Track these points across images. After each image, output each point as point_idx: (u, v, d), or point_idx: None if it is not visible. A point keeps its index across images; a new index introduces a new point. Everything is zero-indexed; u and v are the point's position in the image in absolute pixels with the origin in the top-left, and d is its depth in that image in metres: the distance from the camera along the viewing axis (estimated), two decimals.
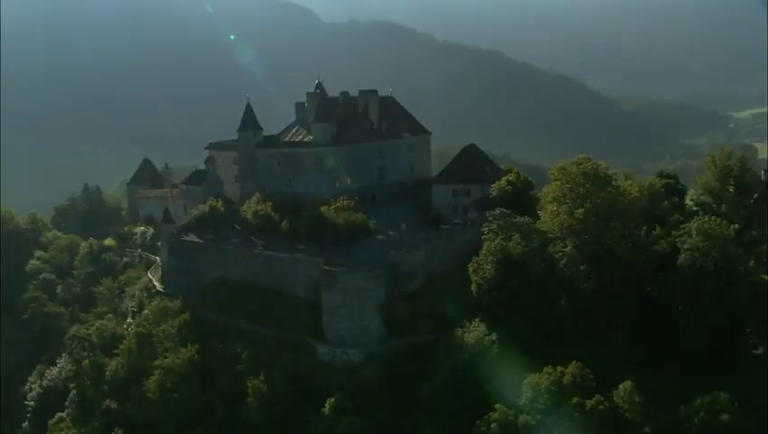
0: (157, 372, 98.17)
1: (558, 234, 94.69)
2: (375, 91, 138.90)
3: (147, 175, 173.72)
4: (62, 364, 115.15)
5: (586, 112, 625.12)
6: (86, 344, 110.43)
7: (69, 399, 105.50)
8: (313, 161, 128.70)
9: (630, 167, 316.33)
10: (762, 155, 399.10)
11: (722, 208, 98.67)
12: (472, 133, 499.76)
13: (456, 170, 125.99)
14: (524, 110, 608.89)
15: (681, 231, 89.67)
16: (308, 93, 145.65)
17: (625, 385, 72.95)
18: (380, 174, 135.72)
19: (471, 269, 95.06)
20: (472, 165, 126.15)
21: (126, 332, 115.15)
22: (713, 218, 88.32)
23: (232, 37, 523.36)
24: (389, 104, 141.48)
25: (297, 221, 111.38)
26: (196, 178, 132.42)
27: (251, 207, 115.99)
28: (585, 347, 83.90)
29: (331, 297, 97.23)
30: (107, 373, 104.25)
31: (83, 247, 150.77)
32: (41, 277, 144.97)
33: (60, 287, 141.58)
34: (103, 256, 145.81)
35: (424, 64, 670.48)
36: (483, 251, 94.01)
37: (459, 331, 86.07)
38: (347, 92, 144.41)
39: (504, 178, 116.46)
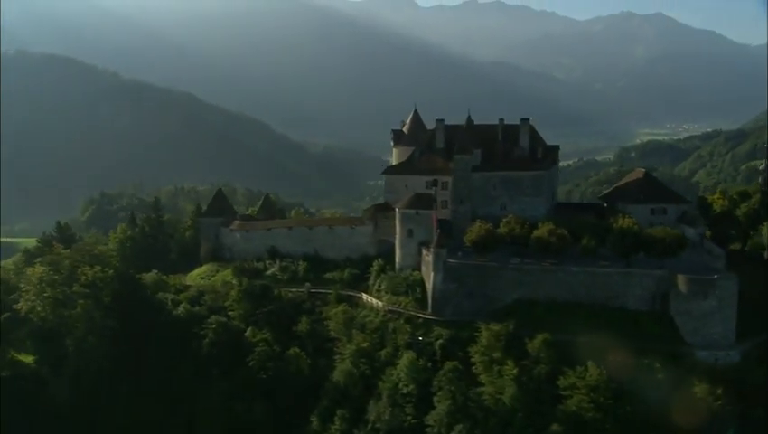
0: (576, 392, 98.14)
1: None
2: (527, 119, 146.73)
3: (223, 207, 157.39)
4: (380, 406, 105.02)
5: (277, 154, 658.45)
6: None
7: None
8: (533, 184, 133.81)
9: (342, 207, 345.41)
10: None
11: None
12: (161, 170, 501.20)
13: (644, 191, 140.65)
14: (219, 152, 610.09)
15: None
16: (437, 120, 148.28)
17: None
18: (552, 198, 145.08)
19: None
20: (652, 186, 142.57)
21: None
22: None
23: None
24: (533, 131, 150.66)
25: (599, 238, 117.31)
26: (422, 202, 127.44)
27: (543, 227, 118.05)
28: None
29: (705, 304, 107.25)
30: (503, 403, 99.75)
31: (230, 284, 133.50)
32: (210, 320, 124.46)
33: (249, 330, 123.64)
34: (277, 292, 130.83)
35: (111, 102, 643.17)
36: None
37: None
38: (471, 119, 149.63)
39: (715, 196, 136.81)
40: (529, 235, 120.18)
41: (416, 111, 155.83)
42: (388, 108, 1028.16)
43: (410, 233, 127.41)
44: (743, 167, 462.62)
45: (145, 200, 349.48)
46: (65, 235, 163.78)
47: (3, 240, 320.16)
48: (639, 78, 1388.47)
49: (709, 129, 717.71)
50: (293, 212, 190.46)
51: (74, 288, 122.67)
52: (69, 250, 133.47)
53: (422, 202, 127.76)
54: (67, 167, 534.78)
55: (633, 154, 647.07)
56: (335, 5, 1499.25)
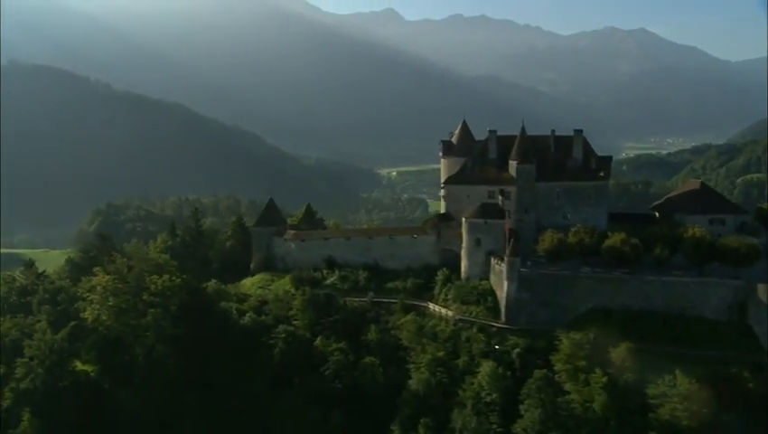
0: (668, 401, 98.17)
1: None
2: (580, 131, 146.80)
3: (275, 217, 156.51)
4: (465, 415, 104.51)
5: (271, 166, 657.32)
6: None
7: None
8: (595, 194, 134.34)
9: (340, 219, 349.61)
10: (433, 207, 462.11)
11: None
12: (159, 180, 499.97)
13: (702, 202, 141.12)
14: (213, 163, 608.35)
15: None
16: (489, 131, 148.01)
17: None
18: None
19: None
20: (710, 197, 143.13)
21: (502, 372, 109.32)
22: None
23: None
24: (585, 143, 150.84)
25: (670, 247, 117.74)
26: (490, 212, 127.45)
27: (616, 236, 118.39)
28: None
29: None
30: (593, 411, 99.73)
31: (295, 294, 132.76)
32: (278, 329, 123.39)
33: (318, 339, 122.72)
34: (342, 302, 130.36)
35: (103, 112, 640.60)
36: None
37: None
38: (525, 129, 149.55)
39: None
40: (599, 245, 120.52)
41: (464, 123, 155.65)
42: (376, 119, 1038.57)
43: (478, 243, 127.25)
44: (738, 181, 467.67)
45: (152, 211, 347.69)
46: (107, 245, 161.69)
47: (3, 251, 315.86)
48: (623, 92, 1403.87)
49: (696, 143, 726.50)
50: (331, 223, 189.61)
51: (143, 297, 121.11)
52: (131, 260, 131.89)
53: (491, 211, 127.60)
54: (62, 178, 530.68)
55: (625, 167, 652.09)
56: (321, 19, 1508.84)
